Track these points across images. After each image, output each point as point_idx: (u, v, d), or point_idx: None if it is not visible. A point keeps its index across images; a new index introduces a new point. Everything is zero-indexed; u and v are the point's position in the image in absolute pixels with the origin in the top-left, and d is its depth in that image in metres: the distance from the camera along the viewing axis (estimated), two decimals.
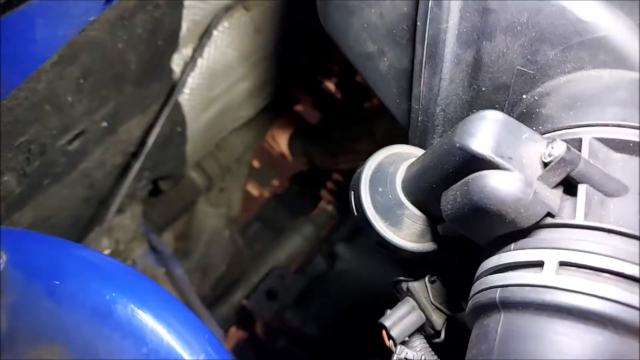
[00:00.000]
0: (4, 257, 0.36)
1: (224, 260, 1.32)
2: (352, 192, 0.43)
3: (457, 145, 0.33)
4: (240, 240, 1.37)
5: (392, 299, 0.56)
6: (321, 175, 1.36)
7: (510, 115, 0.41)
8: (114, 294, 0.35)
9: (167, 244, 1.22)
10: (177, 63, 0.78)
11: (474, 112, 0.46)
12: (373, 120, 1.11)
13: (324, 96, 1.31)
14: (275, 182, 1.55)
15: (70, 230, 0.84)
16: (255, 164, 1.51)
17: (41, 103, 0.60)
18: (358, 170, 0.43)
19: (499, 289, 0.32)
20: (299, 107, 1.42)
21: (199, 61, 0.80)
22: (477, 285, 0.34)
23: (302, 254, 1.30)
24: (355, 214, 0.42)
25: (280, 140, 1.36)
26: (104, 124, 0.73)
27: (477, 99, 0.46)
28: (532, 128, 0.36)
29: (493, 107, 0.44)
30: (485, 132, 0.33)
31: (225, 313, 1.23)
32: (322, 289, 1.08)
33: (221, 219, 1.33)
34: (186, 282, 0.98)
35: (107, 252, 0.93)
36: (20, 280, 0.35)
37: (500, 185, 0.30)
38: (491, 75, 0.44)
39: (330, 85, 1.36)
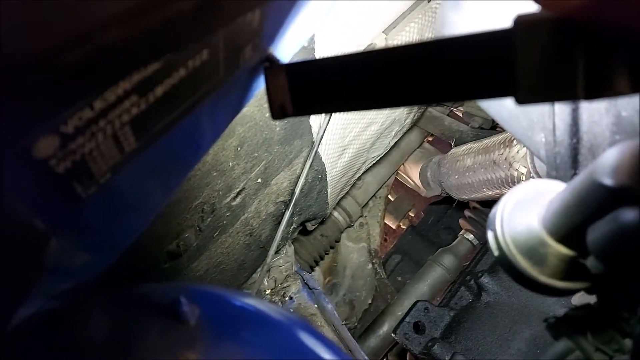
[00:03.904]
0: (197, 312, 0.42)
1: (369, 293, 1.36)
2: (490, 232, 0.44)
3: (598, 181, 0.33)
4: (382, 272, 1.40)
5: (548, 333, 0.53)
6: (458, 204, 1.34)
7: None
8: (286, 340, 0.41)
9: (317, 279, 1.31)
10: (314, 120, 0.87)
11: (616, 138, 0.44)
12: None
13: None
14: (411, 214, 1.56)
15: (237, 274, 0.97)
16: (391, 197, 1.55)
17: (209, 171, 0.73)
18: (494, 210, 0.44)
19: None
20: (429, 138, 1.44)
21: (333, 115, 0.88)
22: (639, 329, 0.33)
23: (444, 285, 1.28)
24: (497, 253, 0.43)
25: (413, 173, 1.38)
26: (259, 180, 0.84)
27: (618, 124, 0.44)
28: None
29: (638, 132, 0.42)
30: (627, 165, 0.32)
31: (374, 345, 1.26)
32: (470, 322, 1.05)
33: (363, 253, 1.38)
34: (337, 317, 1.04)
35: (268, 291, 1.03)
36: (210, 330, 0.42)
37: None
38: (630, 99, 0.43)
39: (459, 113, 1.35)
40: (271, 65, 0.40)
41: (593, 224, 0.34)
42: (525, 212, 0.42)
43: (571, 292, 0.41)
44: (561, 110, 0.46)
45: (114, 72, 0.27)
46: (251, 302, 0.48)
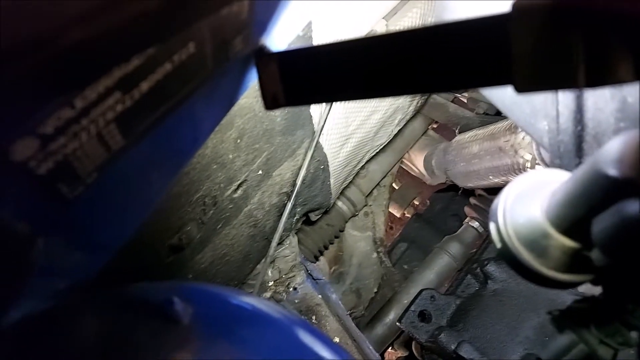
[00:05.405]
0: (190, 311, 0.40)
1: (375, 281, 1.35)
2: (493, 224, 0.43)
3: (602, 172, 0.31)
4: (387, 261, 1.39)
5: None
6: (463, 192, 1.33)
7: None
8: (284, 339, 0.40)
9: (322, 268, 1.30)
10: (315, 110, 0.85)
11: (621, 125, 0.43)
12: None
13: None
14: (416, 202, 1.55)
15: (242, 265, 0.96)
16: (396, 185, 1.53)
17: (209, 164, 0.72)
18: (496, 201, 0.43)
19: None
20: (434, 125, 1.42)
21: (334, 104, 0.87)
22: None
23: (450, 273, 1.27)
24: (499, 246, 0.42)
25: (417, 161, 1.37)
26: (260, 172, 0.84)
27: (624, 110, 0.42)
28: None
29: None
30: (632, 155, 0.31)
31: (381, 334, 1.26)
32: (477, 310, 1.04)
33: (368, 242, 1.38)
34: (341, 307, 1.04)
35: (271, 282, 1.03)
36: (204, 329, 0.41)
37: None
38: (637, 84, 0.41)
39: (463, 99, 1.33)
40: (262, 55, 0.39)
41: (597, 215, 0.33)
42: (527, 203, 0.41)
43: (575, 285, 0.40)
44: (565, 97, 0.45)
45: (94, 69, 0.26)
46: (249, 300, 0.47)
